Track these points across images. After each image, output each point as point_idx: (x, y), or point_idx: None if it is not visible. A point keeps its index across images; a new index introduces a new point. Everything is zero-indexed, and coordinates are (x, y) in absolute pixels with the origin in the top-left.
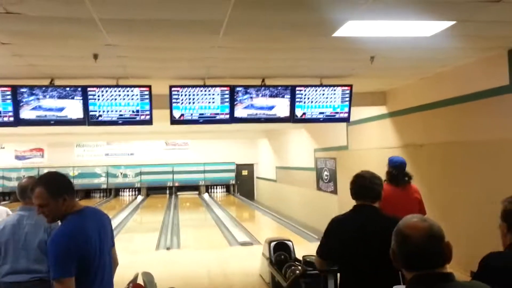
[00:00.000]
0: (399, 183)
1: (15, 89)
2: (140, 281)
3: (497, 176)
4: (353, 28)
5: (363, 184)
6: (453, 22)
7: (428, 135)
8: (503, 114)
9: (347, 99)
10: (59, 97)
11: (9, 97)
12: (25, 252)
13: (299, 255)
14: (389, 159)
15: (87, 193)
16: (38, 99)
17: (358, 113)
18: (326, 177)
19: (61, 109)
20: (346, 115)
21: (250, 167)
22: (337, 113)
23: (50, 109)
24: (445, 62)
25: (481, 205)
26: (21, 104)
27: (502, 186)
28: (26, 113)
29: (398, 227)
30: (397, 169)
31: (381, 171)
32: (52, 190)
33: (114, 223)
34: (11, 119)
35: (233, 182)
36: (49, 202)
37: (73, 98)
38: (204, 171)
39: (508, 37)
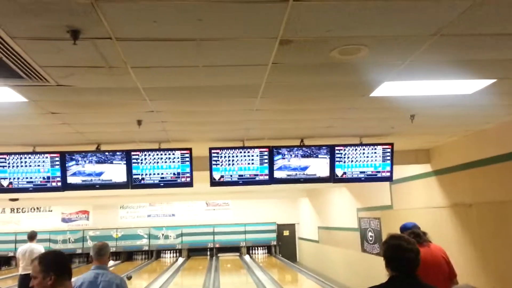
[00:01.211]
0: (422, 242)
1: (63, 155)
2: None
3: None
4: (390, 88)
5: (400, 253)
6: (493, 80)
7: (477, 194)
8: None
9: (389, 157)
10: (104, 162)
11: (57, 163)
12: None
13: None
14: (402, 227)
15: (129, 255)
16: (84, 164)
17: (402, 171)
18: (371, 238)
19: (105, 173)
20: (388, 174)
21: (291, 227)
22: (378, 172)
23: (95, 174)
24: (489, 119)
25: None
26: (69, 169)
27: None
28: (73, 178)
29: None
30: (413, 229)
31: (429, 232)
32: (44, 266)
33: (155, 286)
34: (59, 184)
35: (275, 242)
36: (37, 276)
37: (117, 162)
38: (245, 232)
39: None
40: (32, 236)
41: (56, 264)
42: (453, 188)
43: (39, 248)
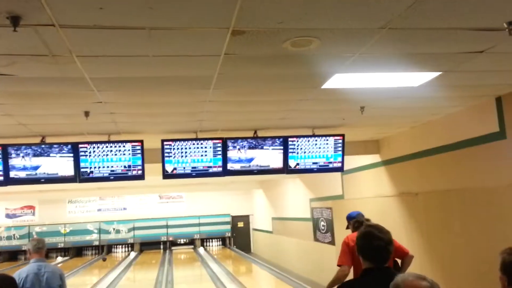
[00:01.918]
0: None
1: (5, 148)
2: None
3: (496, 223)
4: (341, 80)
5: (373, 244)
6: (439, 73)
7: (423, 183)
8: (495, 160)
9: (340, 148)
10: (50, 155)
11: None
12: None
13: None
14: (347, 216)
15: (79, 250)
16: (28, 157)
17: (353, 161)
18: (323, 228)
19: (51, 167)
20: (339, 164)
21: (245, 218)
22: (330, 162)
23: (40, 167)
24: (435, 110)
25: (482, 255)
26: (11, 163)
27: (502, 233)
28: (16, 171)
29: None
30: (358, 217)
31: (377, 220)
32: None
33: (106, 282)
34: (1, 178)
35: (229, 234)
36: None
37: (64, 155)
38: (200, 224)
39: (494, 85)
40: None
41: None
42: (401, 178)
43: None
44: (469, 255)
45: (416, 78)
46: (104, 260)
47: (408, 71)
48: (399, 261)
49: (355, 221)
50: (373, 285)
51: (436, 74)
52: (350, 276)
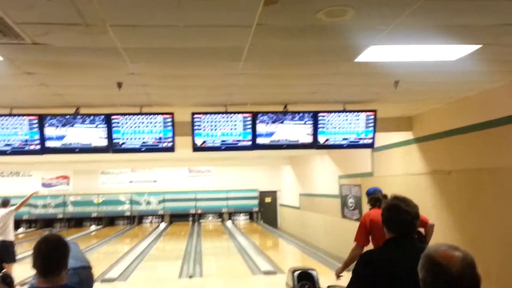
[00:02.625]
0: (379, 205)
1: (42, 118)
2: None
3: None
4: (375, 53)
5: (399, 217)
6: (478, 46)
7: (457, 162)
8: None
9: (371, 124)
10: (84, 126)
11: (35, 125)
12: None
13: (323, 285)
14: (366, 192)
15: (111, 220)
16: (63, 127)
17: (384, 138)
18: (351, 205)
19: (85, 137)
20: (370, 141)
21: (273, 194)
22: (361, 139)
23: (75, 137)
24: (472, 86)
25: None
26: (47, 132)
27: None
28: (51, 141)
29: (431, 257)
30: (376, 193)
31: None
32: None
33: (138, 250)
34: (38, 147)
35: (256, 209)
36: None
37: (97, 126)
38: (227, 198)
39: None
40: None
41: None
42: (433, 156)
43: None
44: (500, 235)
45: (453, 52)
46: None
47: (446, 44)
48: (422, 230)
49: (371, 198)
50: (396, 254)
51: (475, 47)
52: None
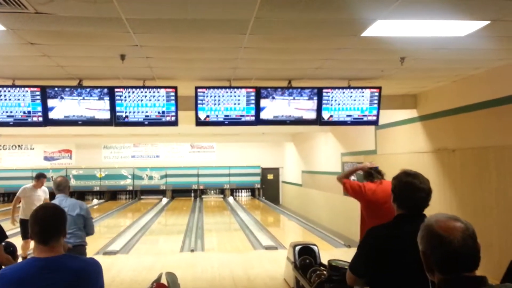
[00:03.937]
0: (373, 180)
1: (44, 90)
2: (163, 281)
3: None
4: (382, 27)
5: (415, 196)
6: (487, 22)
7: (461, 140)
8: None
9: (376, 101)
10: (87, 98)
11: (38, 97)
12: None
13: (324, 260)
14: None
15: (113, 194)
16: (66, 99)
17: (388, 116)
18: None
19: (88, 110)
20: (374, 118)
21: (275, 171)
22: (365, 115)
23: (78, 110)
24: (479, 63)
25: None
26: (50, 104)
27: None
28: (54, 113)
29: (431, 228)
30: (372, 168)
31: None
32: None
33: (139, 225)
34: (40, 119)
35: (258, 186)
36: None
37: (100, 99)
38: (230, 175)
39: None
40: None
41: None
42: (438, 134)
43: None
44: (503, 213)
45: (462, 27)
46: None
47: (455, 19)
48: None
49: (366, 171)
50: (407, 231)
51: (484, 23)
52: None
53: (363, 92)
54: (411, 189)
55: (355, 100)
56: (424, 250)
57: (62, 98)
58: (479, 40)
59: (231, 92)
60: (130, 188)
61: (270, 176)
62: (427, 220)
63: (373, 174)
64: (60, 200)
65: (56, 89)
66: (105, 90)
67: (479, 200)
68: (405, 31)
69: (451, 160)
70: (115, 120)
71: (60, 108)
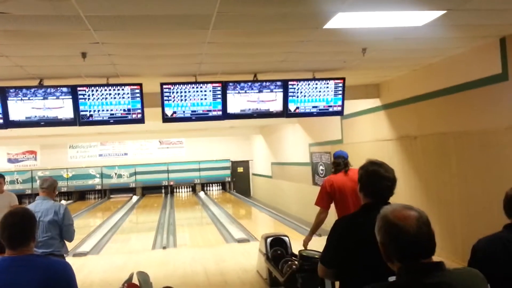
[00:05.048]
0: (340, 170)
1: (3, 91)
2: (135, 280)
3: (491, 165)
4: (343, 19)
5: (380, 184)
6: (444, 11)
7: (422, 127)
8: (496, 103)
9: (340, 92)
10: (49, 98)
11: None
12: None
13: (295, 250)
14: (334, 154)
15: (82, 194)
16: (27, 100)
17: (352, 106)
18: (321, 172)
19: (50, 110)
20: (339, 108)
21: (245, 164)
22: (330, 106)
23: (40, 110)
24: (438, 52)
25: (476, 195)
26: (10, 105)
27: (496, 176)
28: (15, 114)
29: (388, 219)
30: (339, 159)
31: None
32: None
33: (110, 224)
34: (1, 121)
35: (229, 179)
36: None
37: (63, 98)
38: (200, 169)
39: (500, 25)
40: None
41: None
42: (400, 122)
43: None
44: (464, 196)
45: (420, 17)
46: None
47: (413, 10)
48: None
49: (333, 162)
50: (374, 220)
51: (441, 12)
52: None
53: (327, 84)
54: (377, 177)
55: (320, 91)
56: (383, 240)
57: (22, 99)
58: (436, 29)
59: (197, 87)
60: (99, 187)
61: (240, 169)
62: (383, 211)
63: (340, 164)
64: (37, 203)
65: (16, 89)
66: (68, 89)
67: (442, 185)
68: (365, 23)
69: (413, 147)
70: (79, 119)
71: (21, 109)
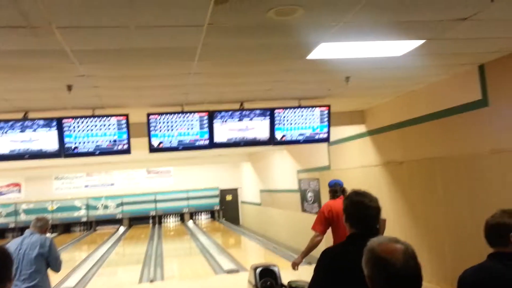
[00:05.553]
0: (335, 197)
1: None
2: None
3: (477, 189)
4: (326, 50)
5: (364, 213)
6: (422, 41)
7: (408, 152)
8: (478, 128)
9: (326, 119)
10: (33, 130)
11: None
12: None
13: (285, 280)
14: (328, 183)
15: (67, 227)
16: (12, 133)
17: (339, 132)
18: (310, 198)
19: (35, 143)
20: (325, 135)
21: (234, 191)
22: (316, 133)
23: (24, 143)
24: (419, 79)
25: (463, 220)
26: None
27: (482, 199)
28: None
29: (374, 252)
30: (335, 186)
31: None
32: None
33: (96, 257)
34: None
35: (218, 207)
36: None
37: (47, 130)
38: (188, 198)
39: (477, 53)
40: None
41: None
42: (386, 147)
43: None
44: (451, 221)
45: (400, 47)
46: None
47: (392, 40)
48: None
49: (330, 190)
50: (360, 249)
51: (420, 42)
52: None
53: (313, 111)
54: (362, 207)
55: (306, 119)
56: (370, 274)
57: (7, 131)
58: (416, 58)
59: (183, 117)
60: (85, 219)
61: (229, 197)
62: (370, 243)
63: (337, 191)
64: (24, 236)
65: (0, 122)
66: (52, 122)
67: (429, 210)
68: (347, 53)
69: (400, 172)
70: (64, 151)
71: (5, 142)
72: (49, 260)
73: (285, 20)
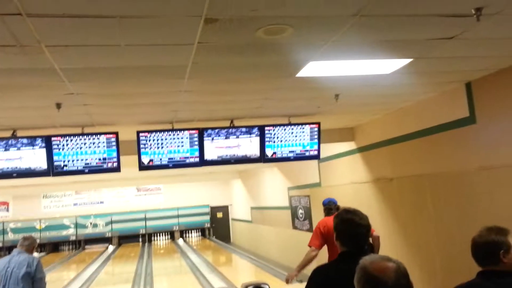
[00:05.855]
0: (330, 215)
1: None
2: None
3: (465, 205)
4: (315, 68)
5: (354, 231)
6: (410, 60)
7: (397, 169)
8: (466, 145)
9: (316, 136)
10: (21, 149)
11: None
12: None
13: None
14: (323, 202)
15: (55, 246)
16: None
17: (329, 149)
18: (301, 216)
19: (23, 161)
20: (316, 152)
21: (224, 209)
22: (307, 151)
23: (12, 161)
24: (407, 97)
25: (453, 236)
26: None
27: (471, 216)
28: None
29: (366, 270)
30: (330, 204)
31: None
32: None
33: (84, 276)
34: None
35: (208, 225)
36: None
37: (36, 149)
38: (178, 216)
39: (464, 71)
40: None
41: None
42: (376, 164)
43: None
44: (442, 237)
45: (388, 65)
46: None
47: (380, 58)
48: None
49: (325, 208)
50: (351, 268)
51: (408, 60)
52: (323, 256)
53: (303, 128)
54: (352, 225)
55: (296, 136)
56: None
57: None
58: (404, 76)
59: (174, 134)
60: (73, 238)
61: (219, 215)
62: (362, 262)
63: (332, 209)
64: (13, 255)
65: None
66: (41, 140)
67: (420, 227)
68: (337, 71)
69: (390, 189)
70: (53, 170)
71: None
72: (34, 280)
73: (274, 39)
